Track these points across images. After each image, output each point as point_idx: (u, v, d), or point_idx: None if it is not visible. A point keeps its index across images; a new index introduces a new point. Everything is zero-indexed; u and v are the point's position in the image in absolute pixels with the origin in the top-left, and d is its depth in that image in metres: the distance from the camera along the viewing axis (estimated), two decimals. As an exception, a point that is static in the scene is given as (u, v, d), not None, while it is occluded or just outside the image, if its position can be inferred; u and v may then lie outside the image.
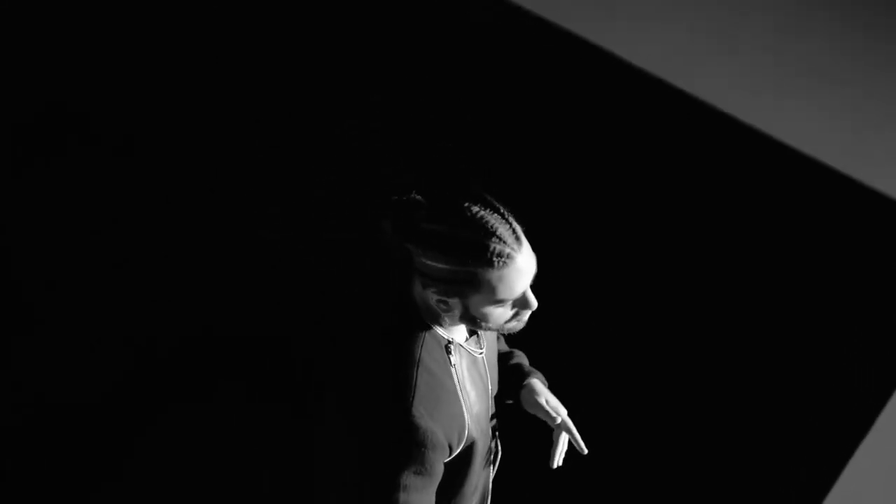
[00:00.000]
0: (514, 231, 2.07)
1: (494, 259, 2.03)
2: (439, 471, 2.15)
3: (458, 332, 2.23)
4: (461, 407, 2.17)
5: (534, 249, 2.13)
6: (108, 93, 4.55)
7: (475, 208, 2.05)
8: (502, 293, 2.06)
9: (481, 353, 2.30)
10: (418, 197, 2.11)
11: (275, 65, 4.66)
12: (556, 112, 4.59)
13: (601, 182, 4.43)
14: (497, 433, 2.43)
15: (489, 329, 2.14)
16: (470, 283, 2.04)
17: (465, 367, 2.21)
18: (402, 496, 2.10)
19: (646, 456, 3.84)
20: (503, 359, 2.53)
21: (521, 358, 2.56)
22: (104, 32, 4.69)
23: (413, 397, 2.07)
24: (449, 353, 2.18)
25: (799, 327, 4.11)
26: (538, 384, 2.46)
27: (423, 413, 2.08)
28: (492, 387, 2.36)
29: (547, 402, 2.42)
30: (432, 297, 2.08)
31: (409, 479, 2.10)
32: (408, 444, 2.07)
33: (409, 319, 2.14)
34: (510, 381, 2.49)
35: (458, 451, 2.20)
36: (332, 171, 4.40)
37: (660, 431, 3.88)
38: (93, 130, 4.45)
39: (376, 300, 2.21)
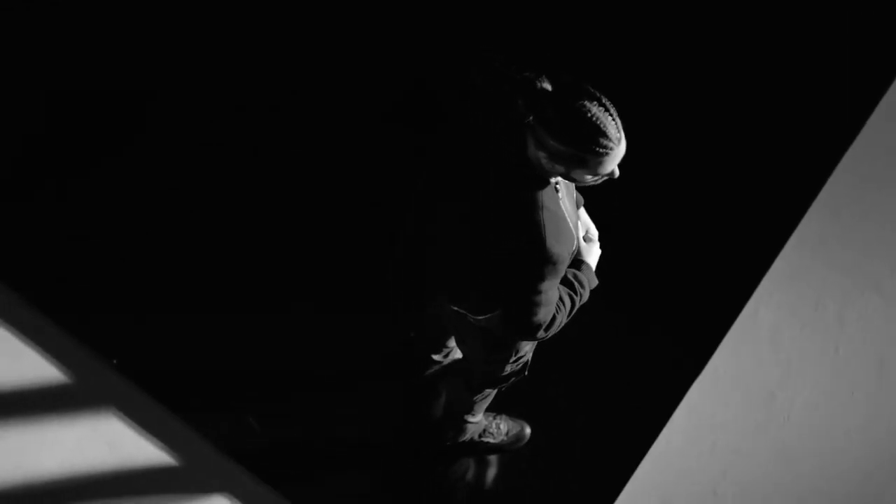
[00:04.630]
0: (617, 128, 2.71)
1: (599, 150, 2.71)
2: (563, 271, 2.98)
3: None
4: (570, 226, 2.94)
5: None
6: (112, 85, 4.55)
7: (591, 107, 2.67)
8: (598, 171, 2.77)
9: None
10: (546, 83, 2.72)
11: (276, 64, 4.65)
12: None
13: None
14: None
15: (578, 184, 2.86)
16: (576, 161, 2.74)
17: (564, 193, 2.98)
18: (544, 297, 2.95)
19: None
20: None
21: None
22: (102, 31, 4.68)
23: (545, 233, 2.84)
24: (557, 190, 2.91)
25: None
26: (581, 218, 3.29)
27: (554, 243, 2.86)
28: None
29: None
30: (543, 158, 2.77)
31: (546, 285, 2.93)
32: (547, 266, 2.89)
33: (530, 173, 2.83)
34: None
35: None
36: (333, 170, 4.40)
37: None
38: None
39: (503, 160, 2.86)
